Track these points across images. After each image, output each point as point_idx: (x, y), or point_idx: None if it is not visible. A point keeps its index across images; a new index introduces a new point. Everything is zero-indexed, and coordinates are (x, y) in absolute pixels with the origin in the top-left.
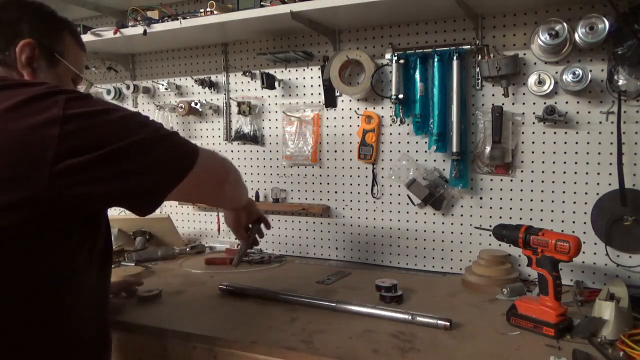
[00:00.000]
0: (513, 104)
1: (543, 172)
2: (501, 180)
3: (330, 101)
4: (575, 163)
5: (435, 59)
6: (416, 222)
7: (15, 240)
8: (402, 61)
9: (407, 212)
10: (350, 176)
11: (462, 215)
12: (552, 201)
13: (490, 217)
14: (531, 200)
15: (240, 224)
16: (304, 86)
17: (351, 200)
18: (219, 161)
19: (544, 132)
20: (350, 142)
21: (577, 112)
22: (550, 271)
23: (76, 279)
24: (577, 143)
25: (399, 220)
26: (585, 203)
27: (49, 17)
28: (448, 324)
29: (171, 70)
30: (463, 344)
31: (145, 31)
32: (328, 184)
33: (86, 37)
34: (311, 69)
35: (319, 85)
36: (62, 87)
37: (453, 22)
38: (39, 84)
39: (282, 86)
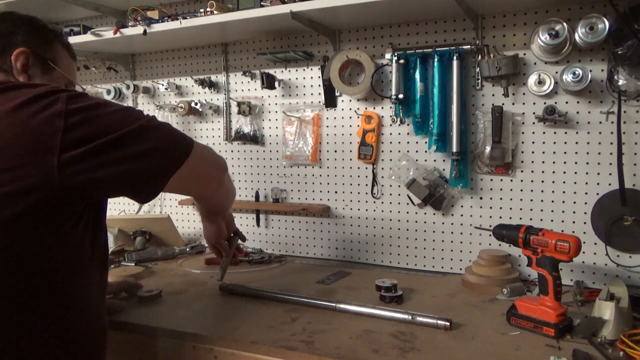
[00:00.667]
0: (513, 104)
1: (543, 172)
2: (501, 180)
3: (330, 101)
4: (575, 163)
5: (435, 59)
6: (416, 222)
7: (20, 233)
8: (402, 61)
9: (407, 212)
10: (350, 176)
11: (462, 215)
12: (552, 201)
13: (490, 217)
14: (531, 200)
15: (222, 235)
16: (304, 86)
17: (351, 200)
18: (215, 153)
19: (544, 132)
20: (350, 142)
21: (577, 112)
22: (550, 271)
23: (76, 275)
24: (577, 143)
25: (399, 221)
26: (585, 203)
27: (41, 28)
28: (448, 324)
29: (171, 70)
30: (463, 344)
31: (145, 31)
32: (328, 184)
33: (86, 37)
34: (311, 69)
35: (319, 85)
36: (60, 86)
37: (453, 22)
38: (42, 84)
39: (282, 86)
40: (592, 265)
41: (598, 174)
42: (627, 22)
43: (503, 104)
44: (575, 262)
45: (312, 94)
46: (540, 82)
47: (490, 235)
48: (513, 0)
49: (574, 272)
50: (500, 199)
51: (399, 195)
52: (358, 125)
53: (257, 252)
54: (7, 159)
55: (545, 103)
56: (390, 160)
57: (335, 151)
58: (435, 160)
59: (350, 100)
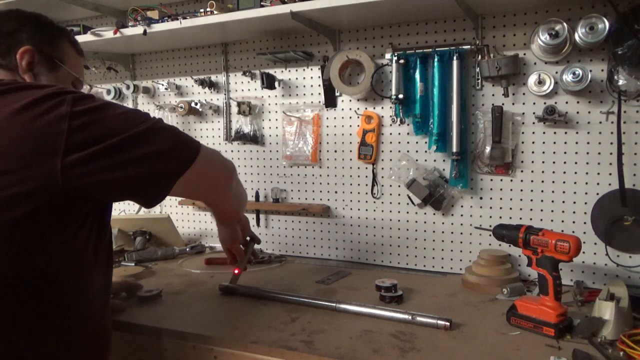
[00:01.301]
0: (513, 104)
1: (543, 172)
2: (501, 180)
3: (330, 101)
4: (575, 163)
5: (435, 59)
6: (416, 222)
7: (23, 235)
8: (402, 61)
9: (407, 212)
10: (350, 176)
11: (462, 215)
12: (552, 201)
13: (490, 217)
14: (531, 200)
15: (237, 239)
16: (304, 86)
17: (351, 200)
18: (223, 157)
19: (544, 132)
20: (350, 142)
21: (577, 112)
22: (550, 271)
23: (79, 277)
24: (577, 143)
25: (399, 221)
26: (585, 203)
27: (47, 26)
28: (448, 324)
29: (171, 70)
30: (463, 344)
31: (145, 31)
32: (328, 184)
33: (86, 37)
34: (311, 69)
35: (319, 85)
36: (67, 88)
37: (453, 22)
38: (48, 86)
39: (282, 86)
40: (592, 265)
41: (598, 174)
42: (627, 22)
43: (503, 104)
44: (575, 262)
45: (312, 94)
46: (540, 82)
47: (490, 235)
48: (513, 0)
49: (574, 272)
50: (500, 199)
51: (399, 195)
52: (358, 125)
53: (257, 252)
54: (11, 161)
55: (545, 103)
56: (390, 160)
57: (335, 151)
58: (435, 160)
59: (350, 100)
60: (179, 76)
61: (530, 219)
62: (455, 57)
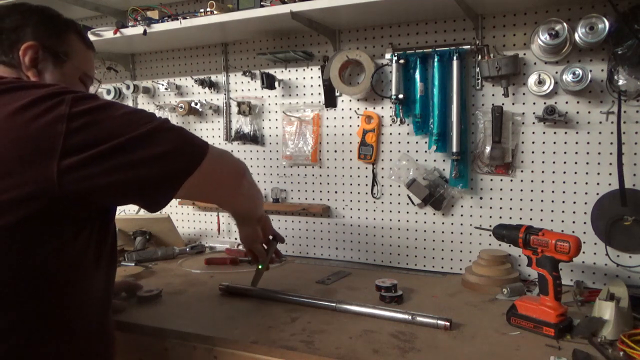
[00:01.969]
0: (513, 104)
1: (543, 172)
2: (501, 180)
3: (330, 101)
4: (575, 163)
5: (435, 59)
6: (416, 222)
7: (23, 237)
8: (402, 61)
9: (407, 212)
10: (350, 176)
11: (462, 215)
12: (552, 201)
13: (490, 217)
14: (531, 200)
15: (257, 239)
16: (304, 86)
17: (351, 200)
18: (233, 157)
19: (544, 132)
20: (350, 142)
21: (577, 112)
22: (550, 271)
23: (81, 279)
24: (577, 143)
25: (399, 220)
26: (585, 203)
27: (52, 19)
28: (448, 324)
29: (171, 70)
30: (463, 344)
31: (145, 31)
32: (328, 184)
33: None
34: (311, 69)
35: (319, 85)
36: (69, 88)
37: (453, 22)
38: (48, 85)
39: (282, 86)
40: (592, 265)
41: (598, 174)
42: (627, 22)
43: (503, 104)
44: (575, 262)
45: (312, 94)
46: (540, 82)
47: (490, 235)
48: (513, 0)
49: (574, 272)
50: (500, 199)
51: (399, 195)
52: (358, 125)
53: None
54: (7, 164)
55: (545, 103)
56: (390, 160)
57: (335, 151)
58: (435, 160)
59: (350, 100)
60: (179, 76)
61: (530, 219)
62: (455, 57)
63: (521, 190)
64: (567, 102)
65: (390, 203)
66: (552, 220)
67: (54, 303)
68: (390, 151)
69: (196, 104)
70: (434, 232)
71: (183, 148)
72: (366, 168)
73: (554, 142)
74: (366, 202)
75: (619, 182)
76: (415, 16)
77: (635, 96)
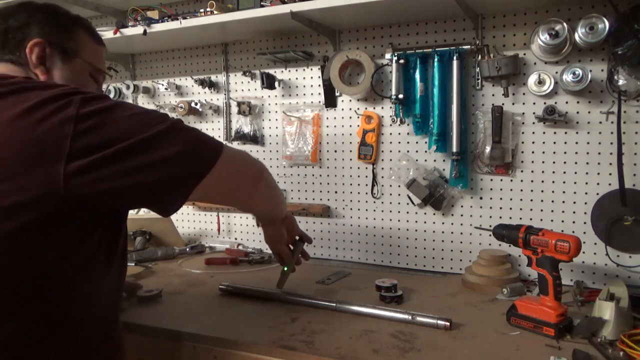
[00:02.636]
0: (513, 104)
1: (543, 172)
2: (501, 180)
3: (330, 101)
4: (575, 163)
5: (435, 59)
6: (416, 222)
7: (28, 242)
8: (402, 61)
9: (407, 212)
10: (350, 176)
11: (462, 215)
12: (552, 201)
13: (490, 217)
14: (531, 200)
15: (282, 240)
16: (304, 86)
17: (351, 200)
18: (250, 158)
19: (544, 132)
20: (350, 142)
21: (577, 112)
22: (550, 271)
23: (89, 285)
24: (577, 143)
25: (399, 220)
26: (585, 203)
27: (58, 15)
28: (448, 324)
29: (171, 70)
30: (463, 344)
31: (145, 31)
32: (328, 184)
33: None
34: (311, 69)
35: (319, 85)
36: (79, 88)
37: (453, 22)
38: (58, 85)
39: (282, 86)
40: (592, 265)
41: (598, 174)
42: (627, 22)
43: (503, 104)
44: (575, 262)
45: (312, 94)
46: (540, 82)
47: (490, 235)
48: (513, 0)
49: (574, 272)
50: (500, 199)
51: (399, 195)
52: (358, 125)
53: (257, 252)
54: (13, 167)
55: (545, 103)
56: (390, 160)
57: (335, 151)
58: (435, 160)
59: (350, 100)
60: (179, 76)
61: (530, 219)
62: (455, 57)
63: (521, 190)
64: (567, 102)
65: (390, 203)
66: (552, 220)
67: (61, 308)
68: (390, 151)
69: (196, 104)
70: (434, 232)
71: (195, 149)
72: (366, 168)
73: (554, 142)
74: (366, 202)
75: (619, 182)
76: (415, 16)
77: (635, 96)
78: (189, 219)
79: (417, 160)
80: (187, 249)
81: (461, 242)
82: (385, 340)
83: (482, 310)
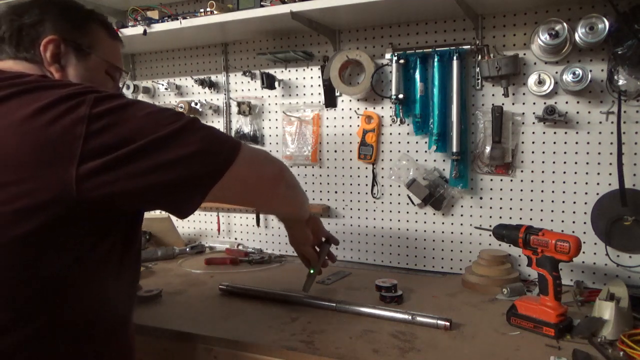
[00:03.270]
0: (513, 104)
1: (543, 172)
2: (501, 180)
3: (330, 101)
4: (575, 163)
5: (435, 59)
6: (416, 222)
7: (39, 246)
8: (402, 61)
9: (407, 212)
10: (350, 176)
11: (462, 215)
12: (552, 201)
13: (490, 217)
14: (531, 200)
15: (308, 241)
16: (304, 86)
17: (351, 200)
18: (270, 157)
19: (544, 132)
20: (350, 142)
21: (577, 112)
22: (550, 271)
23: (102, 289)
24: (577, 143)
25: (399, 220)
26: (585, 203)
27: (72, 11)
28: (448, 324)
29: (171, 70)
30: (463, 344)
31: (145, 31)
32: (328, 184)
33: None
34: (311, 69)
35: (319, 85)
36: (93, 86)
37: (453, 22)
38: (71, 84)
39: (282, 86)
40: (592, 265)
41: (598, 174)
42: (627, 22)
43: (503, 104)
44: (575, 262)
45: (312, 94)
46: (540, 82)
47: (490, 235)
48: (513, 0)
49: (574, 272)
50: (500, 199)
51: (399, 195)
52: (358, 125)
53: (257, 252)
54: (24, 170)
55: (545, 103)
56: (390, 160)
57: (335, 151)
58: (435, 160)
59: (350, 100)
60: (179, 76)
61: (530, 219)
62: (455, 57)
63: (521, 190)
64: (567, 102)
65: (390, 203)
66: (552, 220)
67: (71, 310)
68: (390, 151)
69: (196, 104)
70: (434, 232)
71: (211, 149)
72: (366, 168)
73: (554, 142)
74: (366, 202)
75: (619, 182)
76: (415, 16)
77: (635, 96)
78: (189, 219)
79: (417, 160)
80: (187, 249)
81: (461, 242)
82: (385, 340)
83: (482, 310)
